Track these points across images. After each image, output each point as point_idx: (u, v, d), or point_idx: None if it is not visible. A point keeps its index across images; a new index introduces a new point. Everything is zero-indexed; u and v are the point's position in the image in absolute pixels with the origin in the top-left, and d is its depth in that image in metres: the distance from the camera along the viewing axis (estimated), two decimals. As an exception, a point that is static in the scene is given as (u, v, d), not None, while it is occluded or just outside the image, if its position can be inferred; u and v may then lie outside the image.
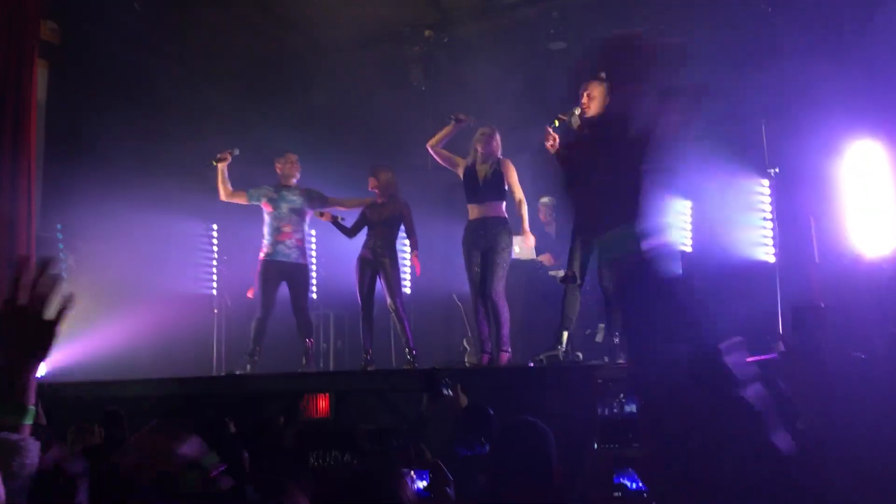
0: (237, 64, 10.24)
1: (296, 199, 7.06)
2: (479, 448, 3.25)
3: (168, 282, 8.91)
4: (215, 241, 9.88)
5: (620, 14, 8.43)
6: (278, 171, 7.14)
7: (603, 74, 5.48)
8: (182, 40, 9.40)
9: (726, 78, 7.63)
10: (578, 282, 5.71)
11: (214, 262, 9.68)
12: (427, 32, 9.17)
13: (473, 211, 6.16)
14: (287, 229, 6.98)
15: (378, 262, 6.88)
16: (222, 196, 7.07)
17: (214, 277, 9.59)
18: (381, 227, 7.00)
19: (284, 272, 6.99)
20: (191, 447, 1.95)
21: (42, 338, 1.41)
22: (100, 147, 8.46)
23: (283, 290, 7.11)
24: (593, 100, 5.42)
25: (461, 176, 6.29)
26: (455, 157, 6.40)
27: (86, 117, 8.48)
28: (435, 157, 6.40)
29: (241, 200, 7.14)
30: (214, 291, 9.35)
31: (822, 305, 4.79)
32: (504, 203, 6.15)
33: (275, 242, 6.97)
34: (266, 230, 7.03)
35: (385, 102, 9.57)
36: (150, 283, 8.48)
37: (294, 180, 7.13)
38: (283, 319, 7.23)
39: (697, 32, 7.92)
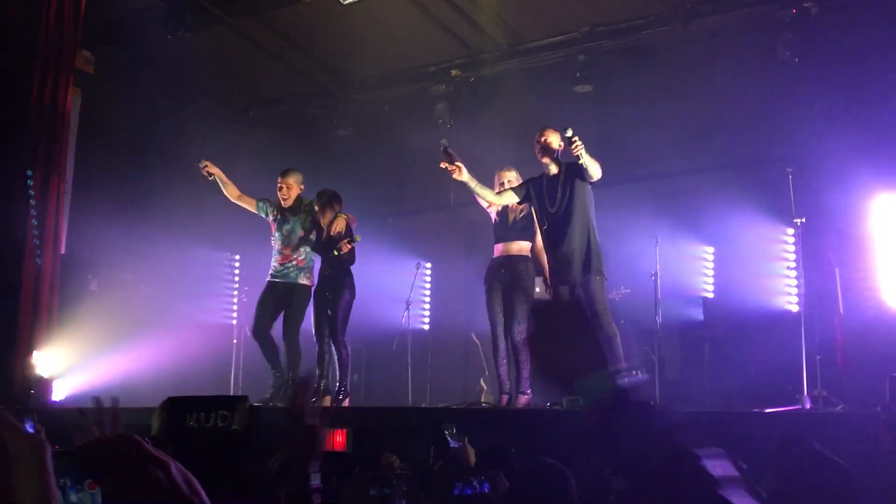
0: (266, 98, 10.39)
1: (295, 219, 6.80)
2: (480, 487, 3.20)
3: (189, 310, 8.95)
4: (237, 272, 9.94)
5: (644, 59, 8.51)
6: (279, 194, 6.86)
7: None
8: (213, 73, 9.57)
9: (753, 126, 7.66)
10: None
11: (235, 293, 9.73)
12: (454, 72, 9.28)
13: (498, 249, 6.16)
14: (286, 251, 6.77)
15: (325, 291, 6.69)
16: (230, 198, 6.90)
17: (235, 307, 9.63)
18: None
19: (284, 294, 6.73)
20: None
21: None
22: (128, 175, 8.59)
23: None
24: (549, 144, 5.78)
25: (491, 214, 6.29)
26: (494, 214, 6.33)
27: (115, 145, 8.63)
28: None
29: (249, 206, 6.93)
30: (234, 321, 9.38)
31: None
32: (531, 244, 6.14)
33: (276, 264, 6.79)
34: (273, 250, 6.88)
35: (410, 139, 9.66)
36: (172, 311, 8.52)
37: (290, 202, 6.79)
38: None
39: (723, 79, 7.97)
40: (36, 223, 6.94)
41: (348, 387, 6.74)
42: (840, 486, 2.15)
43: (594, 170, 5.59)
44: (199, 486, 1.12)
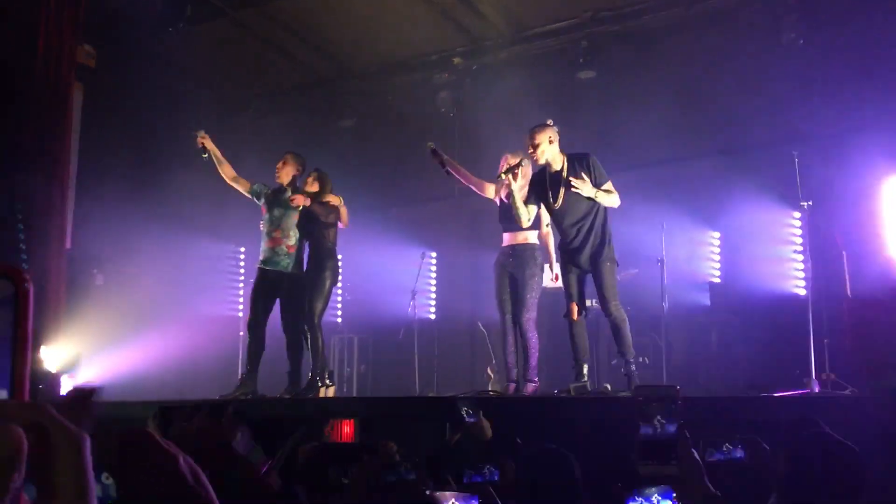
0: (268, 89, 10.37)
1: (287, 202, 6.47)
2: (490, 475, 3.20)
3: (195, 303, 8.97)
4: (242, 264, 9.95)
5: (648, 45, 8.45)
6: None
7: (550, 121, 5.69)
8: (215, 65, 9.55)
9: (759, 108, 7.61)
10: (585, 313, 5.69)
11: (241, 285, 9.74)
12: (456, 60, 9.24)
13: (506, 238, 6.15)
14: (276, 234, 6.46)
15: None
16: (225, 178, 6.63)
17: (241, 300, 9.64)
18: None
19: (276, 283, 6.44)
20: (243, 441, 1.92)
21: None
22: (131, 169, 8.59)
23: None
24: (538, 147, 5.61)
25: (496, 202, 6.27)
26: (482, 181, 6.35)
27: (119, 139, 8.63)
28: (458, 178, 6.36)
29: (243, 189, 6.64)
30: (240, 314, 9.39)
31: None
32: (537, 232, 6.13)
33: (265, 249, 6.48)
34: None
35: (413, 128, 9.64)
36: (178, 304, 8.54)
37: (287, 181, 6.53)
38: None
39: (727, 63, 7.92)
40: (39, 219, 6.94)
41: (327, 376, 6.45)
42: (849, 469, 2.14)
43: (611, 202, 5.57)
44: (205, 480, 1.14)
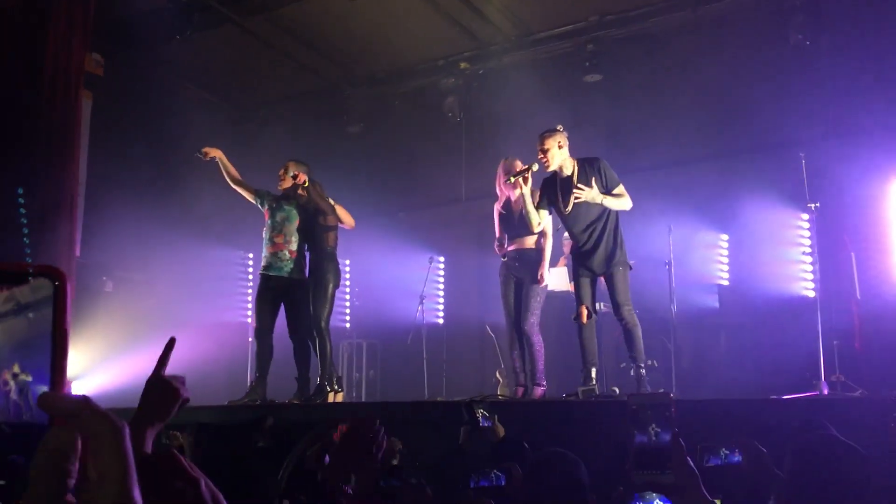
0: (276, 96, 10.42)
1: (290, 208, 6.54)
2: (497, 480, 3.21)
3: (204, 309, 8.99)
4: (250, 270, 9.99)
5: (654, 48, 8.45)
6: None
7: (559, 126, 5.69)
8: (222, 72, 9.60)
9: (767, 110, 7.60)
10: (594, 316, 5.69)
11: (249, 291, 9.77)
12: (463, 65, 9.26)
13: (511, 244, 6.16)
14: (278, 240, 6.51)
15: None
16: (230, 182, 6.67)
17: (249, 305, 9.67)
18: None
19: (279, 289, 6.49)
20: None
21: None
22: (140, 177, 8.64)
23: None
24: (547, 152, 5.62)
25: (498, 209, 6.29)
26: (498, 212, 6.35)
27: (127, 148, 8.68)
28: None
29: (247, 193, 6.68)
30: (249, 319, 9.42)
31: None
32: (542, 237, 6.13)
33: (267, 255, 6.52)
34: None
35: (421, 133, 9.67)
36: (187, 311, 8.57)
37: (286, 184, 6.55)
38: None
39: (734, 65, 7.90)
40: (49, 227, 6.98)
41: (336, 381, 6.48)
42: (854, 470, 2.13)
43: (620, 206, 5.58)
44: None
